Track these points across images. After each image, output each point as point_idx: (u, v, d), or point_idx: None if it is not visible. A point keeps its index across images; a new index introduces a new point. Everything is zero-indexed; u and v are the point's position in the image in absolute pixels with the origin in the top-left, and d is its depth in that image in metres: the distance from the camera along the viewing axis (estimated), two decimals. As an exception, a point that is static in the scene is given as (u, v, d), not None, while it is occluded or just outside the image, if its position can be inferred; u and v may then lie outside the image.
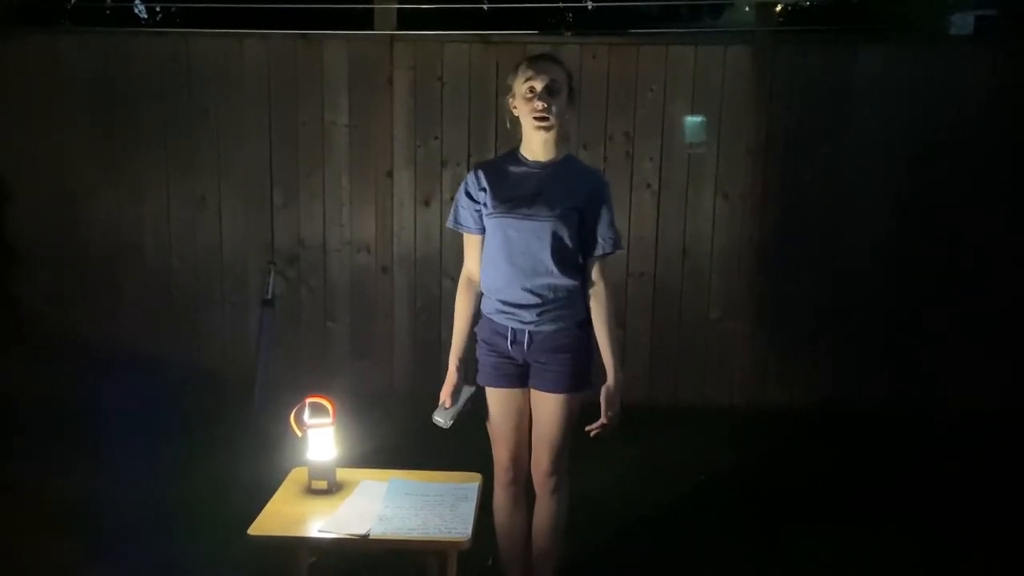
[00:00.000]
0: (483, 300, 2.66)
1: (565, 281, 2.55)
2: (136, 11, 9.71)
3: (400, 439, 4.15)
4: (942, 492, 3.86)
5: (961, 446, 4.28)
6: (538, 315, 2.54)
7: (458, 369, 2.64)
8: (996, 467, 4.08)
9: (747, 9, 5.57)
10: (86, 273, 4.95)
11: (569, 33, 8.13)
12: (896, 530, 3.52)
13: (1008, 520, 3.58)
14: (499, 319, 2.59)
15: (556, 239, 2.51)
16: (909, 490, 3.90)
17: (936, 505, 3.74)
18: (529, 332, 2.56)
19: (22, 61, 4.83)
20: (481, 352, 2.65)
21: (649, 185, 4.76)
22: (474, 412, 2.67)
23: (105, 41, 4.89)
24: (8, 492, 3.61)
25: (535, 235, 2.51)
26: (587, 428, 2.59)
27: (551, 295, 2.54)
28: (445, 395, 2.63)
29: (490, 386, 2.64)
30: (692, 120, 4.70)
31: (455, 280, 4.24)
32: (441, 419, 2.62)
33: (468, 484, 2.59)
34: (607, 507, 3.64)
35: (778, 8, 5.50)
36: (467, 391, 2.64)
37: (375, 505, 2.45)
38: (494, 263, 2.57)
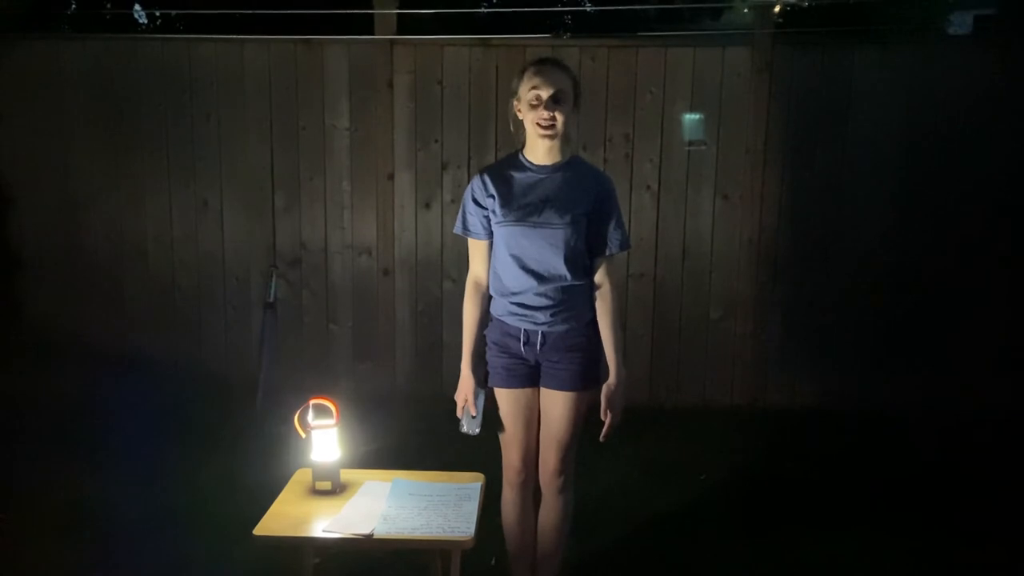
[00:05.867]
0: (493, 302, 2.66)
1: (576, 283, 2.56)
2: (135, 16, 9.74)
3: (403, 440, 4.17)
4: (942, 492, 3.87)
5: (961, 446, 4.29)
6: (551, 316, 2.56)
7: (474, 374, 2.63)
8: (996, 467, 4.09)
9: (745, 11, 5.59)
10: (89, 277, 4.97)
11: (568, 35, 8.16)
12: (896, 530, 3.53)
13: (1008, 520, 3.59)
14: (512, 321, 2.60)
15: (568, 246, 2.52)
16: (909, 490, 3.91)
17: (936, 505, 3.74)
18: (542, 332, 2.57)
19: (24, 67, 4.86)
20: (491, 354, 2.65)
21: (649, 186, 4.78)
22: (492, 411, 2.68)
23: (107, 47, 4.92)
24: (13, 495, 3.63)
25: (547, 243, 2.52)
26: (601, 437, 2.60)
27: (564, 296, 2.55)
28: (470, 403, 2.61)
29: (501, 387, 2.63)
30: (690, 117, 4.72)
31: (456, 282, 4.25)
32: (469, 427, 2.62)
33: (471, 484, 2.61)
34: (608, 507, 3.65)
35: (776, 9, 5.51)
36: (481, 394, 2.64)
37: (379, 505, 2.46)
38: (507, 269, 2.57)
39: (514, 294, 2.57)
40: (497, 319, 2.64)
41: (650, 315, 4.87)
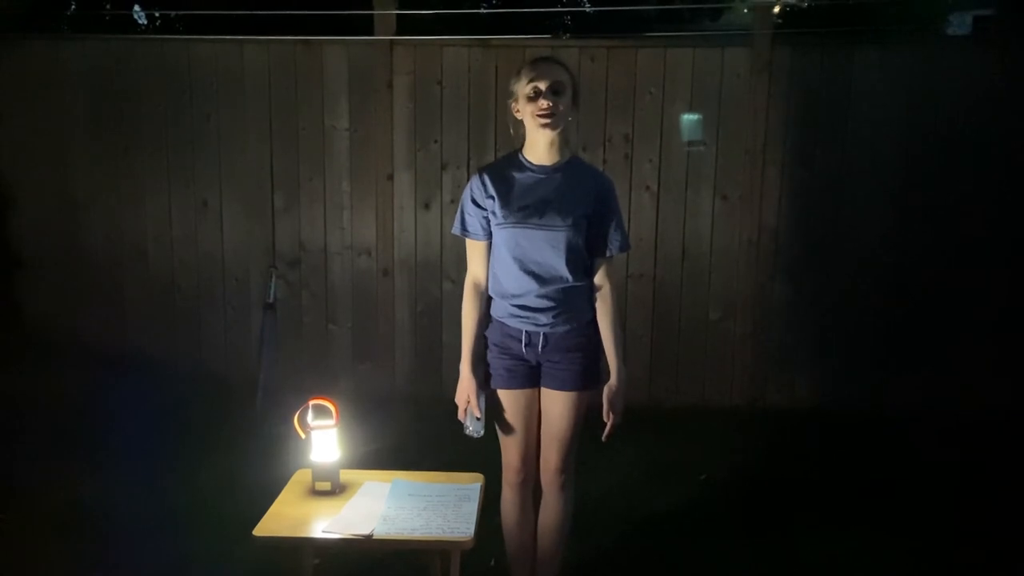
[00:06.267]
0: (493, 304, 2.65)
1: (576, 284, 2.55)
2: (135, 17, 9.73)
3: (402, 440, 4.18)
4: (942, 492, 3.87)
5: (960, 446, 4.29)
6: (553, 317, 2.55)
7: (474, 375, 2.62)
8: (996, 467, 4.10)
9: (745, 11, 5.59)
10: (89, 278, 4.98)
11: (568, 36, 8.16)
12: (896, 530, 3.53)
13: (1008, 520, 3.59)
14: (513, 323, 2.59)
15: (570, 248, 2.52)
16: (909, 490, 3.92)
17: (936, 505, 3.75)
18: (544, 334, 2.56)
19: (24, 67, 4.86)
20: (492, 355, 2.64)
21: (648, 187, 4.78)
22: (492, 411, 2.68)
23: (107, 47, 4.92)
24: (13, 496, 3.63)
25: (549, 244, 2.51)
26: (603, 437, 2.59)
27: (564, 297, 2.55)
28: (473, 405, 2.60)
29: (503, 388, 2.63)
30: (689, 118, 4.73)
31: (456, 283, 4.24)
32: (475, 428, 2.61)
33: (471, 484, 2.61)
34: (608, 507, 3.65)
35: (776, 10, 5.52)
36: (483, 396, 2.64)
37: (378, 506, 2.47)
38: (507, 271, 2.56)
39: (515, 296, 2.56)
40: (498, 320, 2.63)
41: (650, 316, 4.87)
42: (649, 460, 4.14)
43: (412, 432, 4.29)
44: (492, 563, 3.02)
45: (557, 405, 2.60)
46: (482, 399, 2.62)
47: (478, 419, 2.61)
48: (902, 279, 4.75)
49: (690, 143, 4.74)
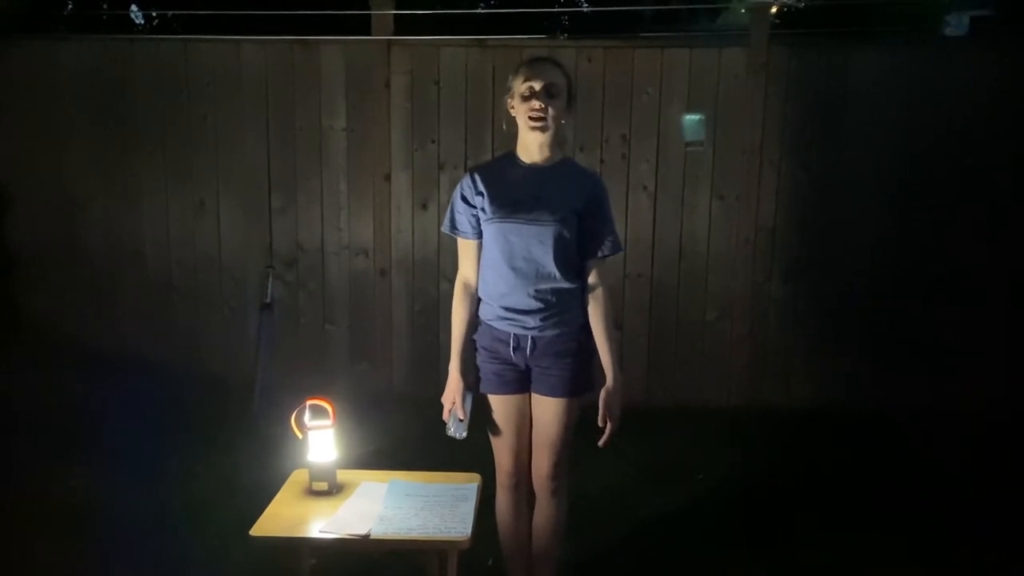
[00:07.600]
0: (482, 306, 2.63)
1: (567, 284, 2.54)
2: (132, 17, 9.74)
3: (399, 440, 4.17)
4: (942, 492, 3.87)
5: (961, 447, 4.29)
6: (542, 320, 2.54)
7: (462, 377, 2.61)
8: (996, 468, 4.09)
9: (742, 12, 5.60)
10: (86, 278, 4.97)
11: (565, 36, 8.17)
12: (896, 530, 3.53)
13: (1007, 521, 3.59)
14: (501, 325, 2.58)
15: (559, 243, 2.51)
16: (908, 491, 3.91)
17: (935, 506, 3.74)
18: (532, 337, 2.55)
19: (21, 68, 4.86)
20: (482, 360, 2.63)
21: (645, 187, 4.78)
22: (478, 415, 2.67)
23: (104, 47, 4.91)
24: (10, 496, 3.62)
25: (537, 239, 2.50)
26: (600, 443, 2.57)
27: (554, 299, 2.53)
28: (457, 406, 2.59)
29: (493, 394, 2.61)
30: (691, 118, 4.72)
31: (453, 283, 4.25)
32: (457, 430, 2.60)
33: (467, 484, 2.61)
34: (606, 507, 3.65)
35: (773, 10, 5.52)
36: (469, 397, 2.62)
37: (375, 506, 2.47)
38: (495, 269, 2.56)
39: (503, 295, 2.55)
40: (486, 323, 2.62)
41: (647, 316, 4.87)
42: (646, 460, 4.14)
43: (409, 432, 4.29)
44: (490, 562, 3.01)
45: (547, 411, 2.59)
46: (467, 401, 2.61)
47: (461, 421, 2.59)
48: (900, 279, 4.75)
49: (689, 143, 4.73)
